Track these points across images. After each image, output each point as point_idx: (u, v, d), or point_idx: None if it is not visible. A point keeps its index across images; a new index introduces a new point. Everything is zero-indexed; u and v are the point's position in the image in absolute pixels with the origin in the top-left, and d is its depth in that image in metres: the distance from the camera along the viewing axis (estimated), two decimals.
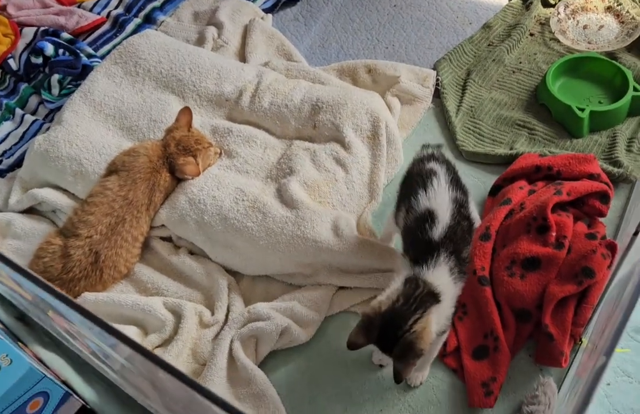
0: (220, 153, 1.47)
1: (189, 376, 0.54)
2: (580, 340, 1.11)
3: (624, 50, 1.64)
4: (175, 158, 1.37)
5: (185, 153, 1.38)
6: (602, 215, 1.26)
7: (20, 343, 1.20)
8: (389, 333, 0.92)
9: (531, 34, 1.78)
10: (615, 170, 1.35)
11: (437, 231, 1.00)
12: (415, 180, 1.08)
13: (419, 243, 1.01)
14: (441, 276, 0.97)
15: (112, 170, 1.38)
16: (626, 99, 1.46)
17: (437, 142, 1.53)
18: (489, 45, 1.76)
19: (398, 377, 0.93)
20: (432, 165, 1.09)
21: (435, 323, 0.95)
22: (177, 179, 1.39)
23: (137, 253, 1.34)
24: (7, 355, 1.08)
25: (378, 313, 0.93)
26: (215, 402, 0.50)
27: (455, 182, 1.07)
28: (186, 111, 1.43)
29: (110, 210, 1.30)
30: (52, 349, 1.21)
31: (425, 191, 1.04)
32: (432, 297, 0.95)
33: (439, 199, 1.03)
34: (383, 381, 1.13)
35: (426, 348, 0.92)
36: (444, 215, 1.01)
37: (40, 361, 1.17)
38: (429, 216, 1.01)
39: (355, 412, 1.11)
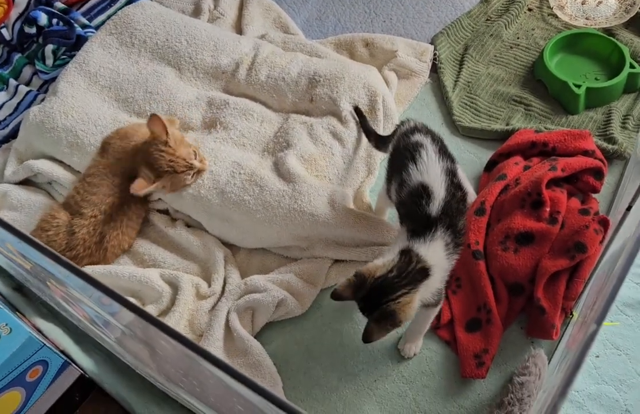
0: (199, 172, 1.32)
1: (192, 341, 0.55)
2: (571, 313, 1.13)
3: (621, 27, 1.64)
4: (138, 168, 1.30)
5: (150, 168, 1.28)
6: (596, 191, 1.27)
7: (18, 313, 1.21)
8: (376, 298, 0.96)
9: (529, 9, 1.77)
10: (610, 146, 1.36)
11: (434, 206, 1.01)
12: (403, 154, 1.09)
13: (416, 217, 1.03)
14: (436, 251, 1.00)
15: (107, 150, 1.36)
16: (622, 76, 1.46)
17: (433, 117, 1.54)
18: (487, 20, 1.76)
19: (368, 336, 0.97)
20: (418, 137, 1.09)
21: (420, 298, 0.99)
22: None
23: (138, 229, 1.35)
24: (6, 324, 1.09)
25: (372, 276, 0.97)
26: (218, 365, 0.51)
27: (443, 151, 1.08)
28: (154, 119, 1.28)
29: (112, 191, 1.30)
30: (50, 319, 1.22)
31: (416, 164, 1.05)
32: (423, 273, 0.98)
33: (431, 172, 1.04)
34: (377, 352, 1.15)
35: (404, 321, 0.97)
36: (439, 188, 1.02)
37: (39, 331, 1.18)
38: (424, 191, 1.03)
39: (349, 382, 1.13)
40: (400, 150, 1.11)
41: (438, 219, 1.01)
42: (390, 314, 0.95)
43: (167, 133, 1.28)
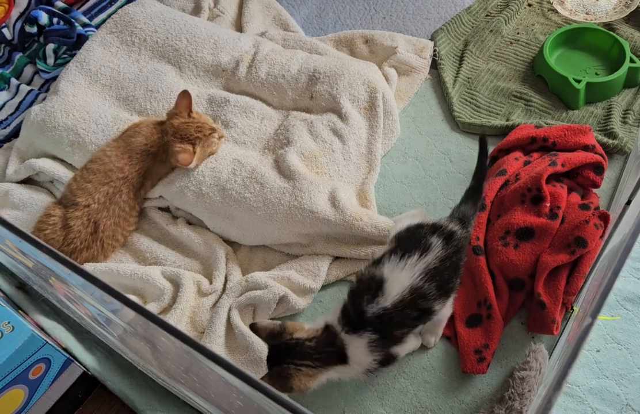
0: (220, 138, 1.38)
1: (193, 338, 0.56)
2: (572, 308, 1.13)
3: (622, 21, 1.63)
4: (171, 144, 1.32)
5: (182, 141, 1.32)
6: (596, 186, 1.27)
7: (21, 311, 1.22)
8: (282, 353, 0.95)
9: (529, 5, 1.77)
10: (610, 141, 1.36)
11: (373, 306, 0.96)
12: (405, 239, 1.02)
13: (356, 304, 0.97)
14: (358, 347, 0.96)
15: (120, 135, 1.38)
16: (622, 71, 1.46)
17: (433, 113, 1.55)
18: (486, 15, 1.76)
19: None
20: (430, 239, 1.00)
21: (337, 374, 0.98)
22: (170, 166, 1.36)
23: (134, 223, 1.35)
24: (9, 322, 1.09)
25: (290, 333, 0.96)
26: (220, 363, 0.52)
27: (434, 271, 0.97)
28: (185, 94, 1.35)
29: (107, 179, 1.31)
30: (53, 317, 1.22)
31: (398, 258, 0.98)
32: (340, 359, 0.96)
33: (396, 279, 0.96)
34: None
35: (297, 392, 0.94)
36: (388, 296, 0.96)
37: (41, 329, 1.18)
38: (378, 286, 0.97)
39: (351, 378, 1.13)
40: (408, 233, 1.03)
41: (370, 321, 0.95)
42: (286, 376, 0.93)
43: (191, 110, 1.35)
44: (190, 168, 1.33)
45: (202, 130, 1.34)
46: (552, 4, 1.73)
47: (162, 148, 1.34)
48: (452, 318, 1.16)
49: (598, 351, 1.12)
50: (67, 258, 0.67)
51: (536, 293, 1.11)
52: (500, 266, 1.16)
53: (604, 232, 1.13)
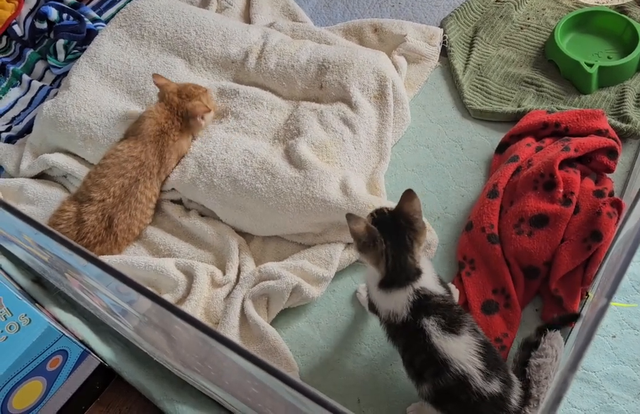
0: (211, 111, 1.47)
1: (210, 327, 0.56)
2: (587, 294, 1.12)
3: (634, 4, 1.61)
4: (184, 105, 1.39)
5: (191, 98, 1.40)
6: (610, 170, 1.26)
7: (37, 304, 1.23)
8: None
9: None
10: (624, 125, 1.34)
11: None
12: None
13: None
14: None
15: (123, 138, 1.39)
16: (635, 54, 1.44)
17: (444, 101, 1.54)
18: (496, 1, 1.74)
19: None
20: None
21: None
22: (187, 136, 1.39)
23: (151, 215, 1.36)
24: (25, 314, 1.11)
25: None
26: (241, 353, 0.52)
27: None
28: (156, 75, 1.45)
29: (123, 171, 1.31)
30: (69, 310, 1.24)
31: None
32: None
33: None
34: None
35: None
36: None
37: (58, 321, 1.20)
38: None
39: (365, 366, 1.13)
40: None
41: None
42: None
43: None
44: (211, 116, 1.42)
45: (197, 88, 1.43)
46: None
47: (176, 118, 1.38)
48: (466, 305, 1.16)
49: (614, 336, 1.11)
50: (84, 249, 0.67)
51: (553, 289, 1.11)
52: (515, 255, 1.16)
53: (618, 219, 1.12)
